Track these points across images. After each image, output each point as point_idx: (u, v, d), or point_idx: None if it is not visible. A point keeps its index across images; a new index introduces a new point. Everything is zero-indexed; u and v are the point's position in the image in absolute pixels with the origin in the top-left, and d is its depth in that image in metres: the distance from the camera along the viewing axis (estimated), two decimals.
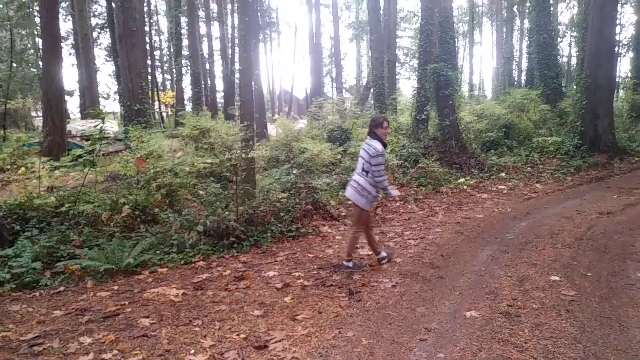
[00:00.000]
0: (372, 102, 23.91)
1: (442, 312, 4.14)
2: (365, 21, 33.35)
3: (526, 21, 27.80)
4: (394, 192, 5.48)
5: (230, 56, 26.43)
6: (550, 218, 7.51)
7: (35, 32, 26.97)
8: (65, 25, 30.81)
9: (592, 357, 3.27)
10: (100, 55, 36.51)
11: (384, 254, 5.68)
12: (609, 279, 4.75)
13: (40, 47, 16.16)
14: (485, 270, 5.23)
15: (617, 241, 6.08)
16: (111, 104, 41.26)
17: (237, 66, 24.71)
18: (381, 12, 23.00)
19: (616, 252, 5.64)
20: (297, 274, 5.38)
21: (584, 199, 8.82)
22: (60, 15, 16.57)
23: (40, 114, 20.98)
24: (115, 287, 5.09)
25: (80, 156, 7.74)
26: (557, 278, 4.83)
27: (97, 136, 7.18)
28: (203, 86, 27.99)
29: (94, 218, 6.76)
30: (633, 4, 26.10)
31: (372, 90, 24.48)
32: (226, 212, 6.78)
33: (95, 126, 7.05)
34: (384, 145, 5.36)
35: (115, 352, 3.57)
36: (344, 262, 5.55)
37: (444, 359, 3.33)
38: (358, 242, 5.73)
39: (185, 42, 32.98)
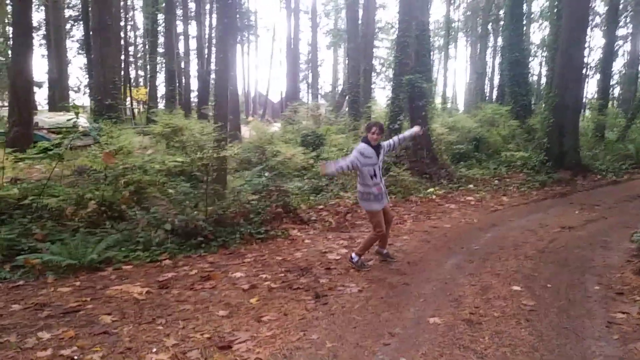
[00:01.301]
0: (347, 109, 24.08)
1: (406, 318, 4.19)
2: (344, 29, 33.63)
3: (500, 39, 28.48)
4: (328, 168, 5.48)
5: (206, 56, 26.18)
6: (515, 230, 7.69)
7: (6, 21, 26.21)
8: (38, 15, 30.05)
9: None
10: (72, 47, 35.70)
11: (385, 251, 5.96)
12: (568, 291, 4.89)
13: (11, 36, 15.71)
14: (450, 278, 5.32)
15: (577, 255, 6.27)
16: (81, 98, 40.30)
17: (213, 66, 24.54)
18: (359, 21, 23.23)
19: (576, 265, 5.81)
20: (264, 276, 5.37)
21: (547, 213, 9.06)
22: (33, 5, 16.15)
23: (6, 104, 20.37)
24: (77, 283, 4.98)
25: (47, 149, 7.57)
26: (518, 288, 4.95)
27: (68, 129, 7.04)
28: (177, 84, 27.67)
29: (58, 212, 6.60)
30: (602, 28, 27.05)
31: (347, 97, 24.66)
32: (195, 212, 6.73)
33: (68, 120, 6.91)
34: (368, 144, 5.48)
35: (75, 348, 3.50)
36: (352, 254, 5.72)
37: None
38: (374, 243, 5.82)
39: (161, 40, 32.58)
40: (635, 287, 4.92)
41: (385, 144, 5.71)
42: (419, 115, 12.25)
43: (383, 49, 45.80)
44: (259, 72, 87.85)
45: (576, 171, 13.01)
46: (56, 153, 7.03)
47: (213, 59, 25.10)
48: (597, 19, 31.54)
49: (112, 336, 3.73)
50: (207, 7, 29.35)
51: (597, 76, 28.24)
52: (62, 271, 5.24)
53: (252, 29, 47.11)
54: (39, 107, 27.86)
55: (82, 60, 38.14)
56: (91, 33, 15.41)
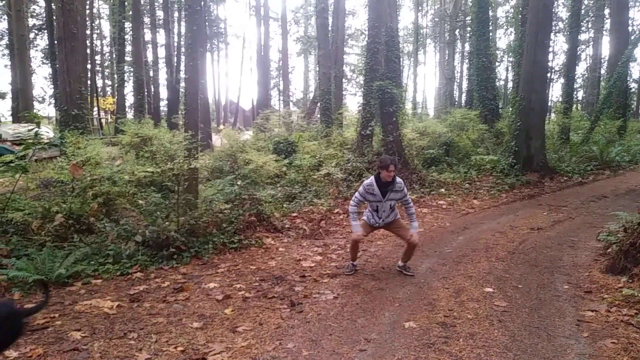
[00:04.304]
0: (319, 116, 24.12)
1: (381, 323, 4.20)
2: (314, 36, 33.78)
3: (467, 45, 29.04)
4: (354, 229, 5.64)
5: (175, 64, 25.88)
6: (486, 233, 7.81)
7: None
8: (0, 24, 29.32)
9: None
10: (36, 57, 34.90)
11: (401, 264, 5.83)
12: (538, 291, 4.99)
13: None
14: (424, 282, 5.37)
15: (547, 255, 6.40)
16: (47, 108, 39.39)
17: (182, 75, 24.29)
18: (329, 28, 23.34)
19: (545, 265, 5.94)
20: (238, 285, 5.31)
21: (517, 215, 9.24)
22: None
23: None
24: None
25: (10, 161, 7.33)
26: (490, 290, 5.02)
27: (31, 141, 6.83)
28: (146, 93, 27.26)
29: (23, 226, 6.41)
30: (565, 33, 27.83)
31: (319, 104, 24.69)
32: (167, 223, 6.61)
33: (29, 130, 6.71)
34: (378, 181, 5.49)
35: None
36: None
37: None
38: (352, 248, 5.78)
39: (128, 48, 32.10)
40: (603, 285, 5.05)
41: (401, 193, 5.55)
42: (389, 121, 12.37)
43: (353, 56, 46.14)
44: (230, 79, 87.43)
45: (543, 173, 13.32)
46: (20, 165, 6.81)
47: (182, 67, 24.85)
48: (560, 24, 32.49)
49: (82, 353, 3.63)
50: (176, 14, 29.09)
51: (562, 80, 29.07)
52: (29, 287, 5.07)
53: (222, 37, 46.86)
54: (2, 119, 27.10)
55: (46, 70, 37.19)
56: (56, 42, 15.01)
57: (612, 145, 16.79)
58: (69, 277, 5.38)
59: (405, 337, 3.90)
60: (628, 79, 20.76)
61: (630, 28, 23.52)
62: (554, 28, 27.28)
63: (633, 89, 30.36)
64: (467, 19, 29.58)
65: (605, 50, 27.84)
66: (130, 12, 26.98)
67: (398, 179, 5.54)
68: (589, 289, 5.00)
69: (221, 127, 35.43)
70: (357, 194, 5.65)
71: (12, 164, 6.93)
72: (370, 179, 5.54)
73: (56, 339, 3.87)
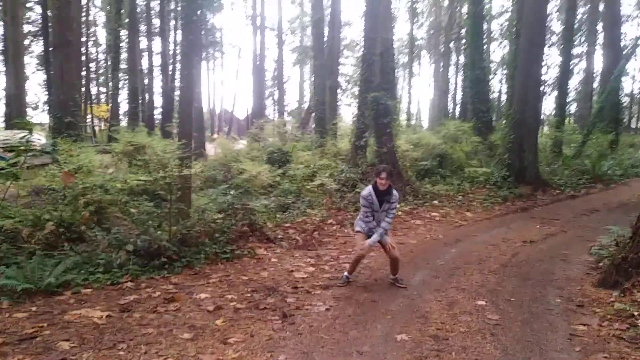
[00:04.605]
0: (313, 126, 24.17)
1: (374, 335, 4.18)
2: (309, 46, 33.94)
3: (462, 57, 29.27)
4: (365, 242, 5.61)
5: (170, 72, 25.96)
6: (479, 245, 7.82)
7: None
8: None
9: None
10: (31, 63, 34.79)
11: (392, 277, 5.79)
12: (531, 304, 4.98)
13: None
14: (417, 294, 5.35)
15: (539, 268, 6.41)
16: (40, 115, 39.19)
17: (177, 83, 24.32)
18: (325, 39, 23.47)
19: (537, 278, 5.94)
20: (230, 296, 5.27)
21: (509, 228, 9.26)
22: None
23: None
24: (34, 308, 4.76)
25: (2, 168, 7.27)
26: (483, 303, 5.02)
27: (22, 148, 6.79)
28: (140, 101, 27.24)
29: (13, 234, 6.32)
30: (558, 47, 28.14)
31: (313, 114, 24.76)
32: (159, 232, 6.57)
33: (21, 137, 6.67)
34: (376, 190, 5.49)
35: None
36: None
37: None
38: (355, 260, 5.75)
39: (124, 56, 32.12)
40: (595, 299, 5.05)
41: (392, 205, 5.55)
42: (384, 132, 12.40)
43: (349, 66, 46.36)
44: (225, 88, 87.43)
45: (536, 186, 13.39)
46: (10, 172, 6.76)
47: (177, 76, 24.90)
48: (554, 38, 32.87)
49: None
50: (172, 23, 29.20)
51: (555, 93, 29.33)
52: (18, 296, 5.00)
53: (218, 46, 46.96)
54: None
55: (41, 76, 37.08)
56: (51, 49, 15.02)
57: (604, 159, 16.92)
58: (59, 286, 5.31)
59: (398, 350, 3.88)
60: (620, 93, 20.95)
61: (622, 43, 23.84)
62: (547, 42, 27.57)
63: (625, 103, 30.69)
64: (461, 31, 29.86)
65: (598, 64, 28.17)
66: (127, 20, 27.01)
67: (395, 192, 5.57)
68: (581, 302, 5.00)
69: (215, 136, 35.44)
70: (362, 208, 5.60)
71: (2, 171, 6.88)
72: (368, 189, 5.52)
73: (44, 349, 3.81)
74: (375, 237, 5.53)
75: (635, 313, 4.40)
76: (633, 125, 46.26)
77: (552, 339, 4.09)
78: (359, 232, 5.78)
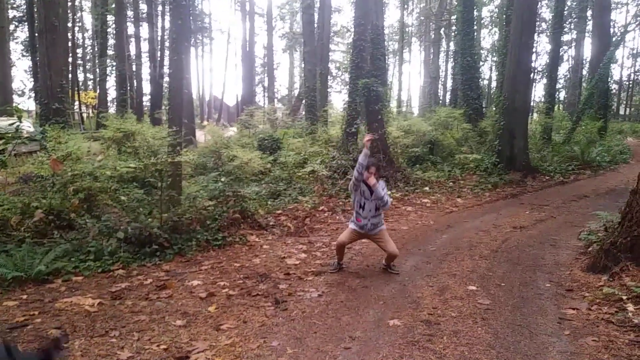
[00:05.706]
0: (304, 113, 24.09)
1: (366, 321, 4.20)
2: (299, 33, 33.67)
3: (452, 44, 29.23)
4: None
5: (159, 59, 25.58)
6: (469, 231, 7.87)
7: None
8: None
9: None
10: (16, 49, 34.23)
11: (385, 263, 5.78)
12: (521, 289, 5.03)
13: None
14: (409, 280, 5.38)
15: (529, 253, 6.47)
16: (26, 102, 38.70)
17: (166, 69, 24.05)
18: (315, 25, 23.31)
19: (527, 263, 6.00)
20: (222, 283, 5.27)
21: (500, 214, 9.32)
22: None
23: None
24: (24, 297, 4.73)
25: None
26: (474, 288, 5.06)
27: (11, 135, 6.70)
28: (129, 88, 26.91)
29: (2, 222, 6.26)
30: (548, 34, 28.17)
31: (304, 101, 24.66)
32: (149, 219, 6.53)
33: (10, 124, 6.57)
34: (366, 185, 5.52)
35: None
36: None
37: None
38: (338, 249, 5.75)
39: (111, 42, 31.68)
40: (584, 283, 5.11)
41: (384, 192, 5.53)
42: (375, 119, 12.37)
43: (339, 53, 46.13)
44: (214, 75, 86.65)
45: (526, 172, 13.47)
46: None
47: (166, 62, 24.62)
48: (544, 25, 32.89)
49: (62, 351, 3.55)
50: (160, 8, 28.77)
51: (544, 80, 29.43)
52: (8, 284, 4.97)
53: (207, 31, 46.55)
54: None
55: (27, 62, 36.54)
56: (37, 34, 14.77)
57: (592, 145, 17.04)
58: (49, 274, 5.28)
59: (390, 335, 3.90)
60: (609, 80, 21.08)
61: (611, 30, 23.91)
62: (537, 29, 27.59)
63: (614, 90, 30.89)
64: (452, 18, 29.78)
65: (587, 51, 28.34)
66: (113, 5, 26.59)
67: (381, 182, 5.58)
68: (571, 287, 5.06)
69: (205, 123, 35.20)
70: (353, 193, 5.64)
71: None
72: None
73: (36, 337, 3.79)
74: (361, 156, 5.45)
75: (624, 297, 4.46)
76: (622, 112, 46.71)
77: (542, 323, 4.14)
78: (350, 228, 5.73)
